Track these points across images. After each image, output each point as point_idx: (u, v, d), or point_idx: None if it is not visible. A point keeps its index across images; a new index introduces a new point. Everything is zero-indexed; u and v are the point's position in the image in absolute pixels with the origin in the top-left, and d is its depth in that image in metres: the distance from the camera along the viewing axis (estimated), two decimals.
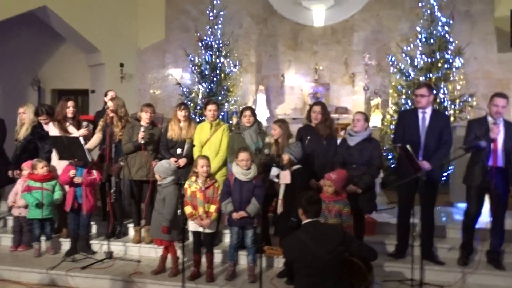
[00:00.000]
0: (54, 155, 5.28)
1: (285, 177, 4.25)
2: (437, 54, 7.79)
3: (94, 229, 5.59)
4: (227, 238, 5.15)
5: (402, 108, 7.77)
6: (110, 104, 5.28)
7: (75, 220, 5.05)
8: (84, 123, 5.26)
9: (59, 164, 5.21)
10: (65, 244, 5.31)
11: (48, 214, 5.13)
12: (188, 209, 4.36)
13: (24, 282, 4.68)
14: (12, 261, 4.97)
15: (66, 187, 5.10)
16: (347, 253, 3.08)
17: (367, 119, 4.69)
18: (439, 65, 7.80)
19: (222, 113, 8.70)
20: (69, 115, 5.31)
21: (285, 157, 4.32)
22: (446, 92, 7.78)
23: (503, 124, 4.48)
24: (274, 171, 4.30)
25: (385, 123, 8.53)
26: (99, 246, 5.25)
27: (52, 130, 5.28)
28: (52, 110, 5.49)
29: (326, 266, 2.94)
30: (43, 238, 5.23)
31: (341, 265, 3.02)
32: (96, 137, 5.24)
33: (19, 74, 10.64)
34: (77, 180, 4.92)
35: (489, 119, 4.51)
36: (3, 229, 5.84)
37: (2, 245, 5.52)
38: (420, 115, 4.67)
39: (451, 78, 7.95)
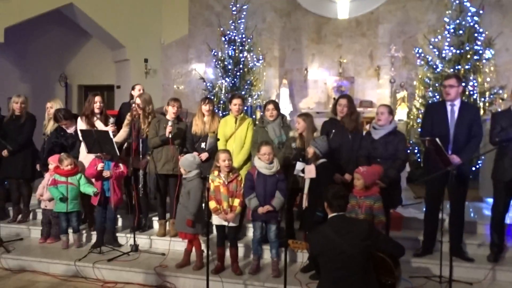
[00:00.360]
0: (82, 150, 5.37)
1: (310, 171, 4.21)
2: (466, 45, 7.56)
3: (119, 222, 5.67)
4: (250, 231, 5.15)
5: (429, 101, 7.59)
6: (138, 100, 5.34)
7: (101, 214, 5.13)
8: (111, 120, 5.33)
9: (86, 158, 5.30)
10: (92, 237, 5.42)
11: (73, 207, 5.22)
12: (212, 204, 4.38)
13: (53, 273, 4.80)
14: (42, 253, 5.10)
15: (92, 181, 5.18)
16: (373, 248, 3.02)
17: (391, 112, 4.59)
18: (468, 56, 7.57)
19: (246, 108, 8.69)
20: (96, 110, 5.39)
21: (310, 151, 4.27)
22: (475, 84, 7.55)
23: None
24: (299, 165, 4.25)
25: (411, 117, 8.36)
26: (125, 239, 5.33)
27: (80, 124, 5.38)
28: (69, 113, 5.57)
29: (352, 260, 2.89)
30: (70, 230, 5.33)
31: (367, 260, 2.96)
32: (123, 132, 5.30)
33: (47, 70, 10.90)
34: (106, 174, 5.00)
35: None
36: (33, 221, 5.99)
37: (32, 237, 5.67)
38: (449, 108, 4.53)
39: (481, 70, 7.71)
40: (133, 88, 6.01)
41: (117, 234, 5.35)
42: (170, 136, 4.97)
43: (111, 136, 4.86)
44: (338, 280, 2.89)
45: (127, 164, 5.20)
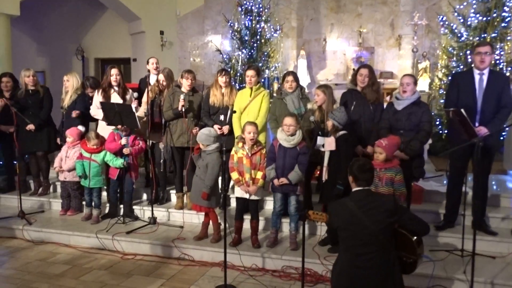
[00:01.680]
0: (100, 122, 5.38)
1: (330, 144, 4.11)
2: (493, 12, 7.20)
3: (137, 195, 5.70)
4: (268, 205, 5.13)
5: (453, 71, 7.31)
6: (161, 77, 5.28)
7: (115, 186, 5.20)
8: (135, 94, 5.28)
9: (103, 131, 5.32)
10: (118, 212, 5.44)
11: (95, 184, 5.26)
12: (234, 175, 4.34)
13: (74, 245, 4.88)
14: (62, 225, 5.18)
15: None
16: (397, 224, 2.93)
17: (416, 83, 4.42)
18: (495, 24, 7.22)
19: (263, 79, 8.55)
20: (113, 82, 5.36)
21: (329, 123, 4.17)
22: (502, 53, 7.23)
23: None
24: (320, 140, 4.16)
25: (434, 88, 8.11)
26: (142, 212, 5.37)
27: (96, 98, 5.37)
28: (97, 82, 5.60)
29: (374, 237, 2.81)
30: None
31: (389, 237, 2.88)
32: (143, 108, 5.28)
33: (64, 44, 10.89)
34: (126, 151, 5.02)
35: None
36: (54, 194, 6.09)
37: (53, 210, 5.77)
38: (477, 77, 4.32)
39: (509, 38, 7.36)
40: (147, 62, 5.95)
41: (135, 207, 5.39)
42: (183, 110, 4.92)
43: (134, 109, 4.85)
44: (358, 256, 2.84)
45: (144, 138, 5.19)
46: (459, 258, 4.08)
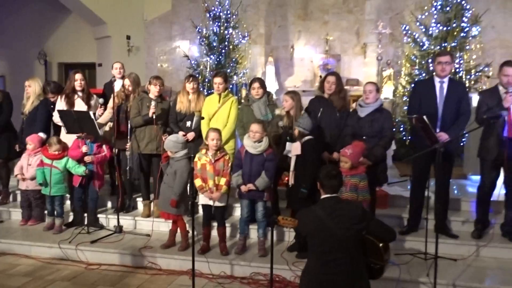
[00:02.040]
0: (63, 129, 5.24)
1: (296, 149, 4.17)
2: (453, 22, 7.50)
3: (102, 203, 5.57)
4: (237, 211, 5.11)
5: (416, 79, 7.55)
6: (127, 82, 5.19)
7: (79, 194, 5.06)
8: (100, 100, 5.16)
9: (67, 138, 5.17)
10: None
11: (57, 192, 5.09)
12: (198, 182, 4.31)
13: (35, 256, 4.71)
14: (23, 236, 5.00)
15: None
16: (365, 231, 2.98)
17: (378, 90, 4.54)
18: (455, 33, 7.51)
19: (231, 86, 8.55)
20: (78, 87, 5.24)
21: (296, 131, 4.22)
22: (461, 62, 7.53)
23: None
24: (288, 146, 4.21)
25: (398, 95, 8.34)
26: (107, 220, 5.24)
27: (59, 104, 5.23)
28: (59, 87, 5.44)
29: (342, 244, 2.85)
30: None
31: (357, 243, 2.93)
32: (108, 113, 5.17)
33: (26, 47, 10.56)
34: (88, 159, 4.90)
35: (500, 88, 4.36)
36: (14, 203, 5.86)
37: (13, 220, 5.55)
38: (438, 85, 4.48)
39: (467, 47, 7.68)
40: (112, 67, 5.84)
41: (100, 215, 5.26)
42: (154, 116, 4.86)
43: (92, 116, 4.73)
44: (327, 262, 2.86)
45: (110, 145, 5.08)
46: (423, 261, 4.18)
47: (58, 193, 5.11)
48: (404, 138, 7.64)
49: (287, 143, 4.21)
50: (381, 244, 3.01)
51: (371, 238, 3.02)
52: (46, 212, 5.23)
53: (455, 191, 5.52)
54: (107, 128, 5.30)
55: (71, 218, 5.30)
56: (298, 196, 4.13)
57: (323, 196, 3.06)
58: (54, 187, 5.06)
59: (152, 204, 5.24)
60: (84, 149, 4.88)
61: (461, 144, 6.75)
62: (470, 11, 7.60)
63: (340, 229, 2.85)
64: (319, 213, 2.93)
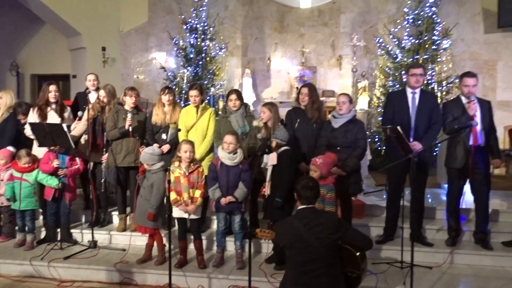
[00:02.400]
0: (35, 143, 5.11)
1: (272, 159, 4.17)
2: (425, 35, 7.72)
3: (76, 218, 5.44)
4: (214, 224, 5.07)
5: (390, 90, 7.72)
6: (102, 93, 5.12)
7: (53, 208, 4.92)
8: (79, 113, 5.05)
9: (39, 151, 5.05)
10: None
11: (27, 206, 4.93)
12: (172, 195, 4.25)
13: (4, 274, 4.53)
14: None
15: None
16: (341, 241, 3.00)
17: (351, 101, 4.61)
18: (427, 46, 7.74)
19: (208, 97, 8.55)
20: (52, 99, 5.14)
21: (273, 144, 4.24)
22: (433, 73, 7.75)
23: (477, 102, 4.46)
24: (266, 158, 4.21)
25: (372, 106, 8.49)
26: (82, 235, 5.12)
27: (31, 116, 5.11)
28: (30, 109, 5.31)
29: (319, 254, 2.87)
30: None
31: (334, 253, 2.95)
32: (83, 125, 5.07)
33: None
34: (61, 172, 4.78)
35: (463, 98, 4.51)
36: None
37: None
38: (410, 96, 4.60)
39: (438, 60, 7.91)
40: (86, 79, 5.75)
41: (73, 230, 5.13)
42: (130, 129, 4.80)
43: (65, 129, 4.64)
44: (304, 273, 2.87)
45: (84, 158, 4.99)
46: (399, 270, 4.23)
47: (28, 207, 4.95)
48: (380, 148, 7.77)
49: (265, 156, 4.21)
50: (357, 253, 3.04)
51: (348, 247, 3.05)
52: (16, 228, 5.06)
53: (429, 200, 5.62)
54: (82, 141, 5.21)
55: (43, 234, 5.15)
56: (273, 205, 4.13)
57: (299, 207, 3.08)
58: (24, 201, 4.91)
59: (128, 218, 5.14)
60: (55, 163, 4.75)
61: (434, 153, 6.91)
62: (441, 25, 7.86)
63: (316, 239, 2.86)
64: (296, 224, 2.94)
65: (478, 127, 4.42)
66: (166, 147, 4.87)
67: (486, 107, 4.52)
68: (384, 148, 7.50)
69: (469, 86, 4.43)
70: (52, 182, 4.81)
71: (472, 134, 4.41)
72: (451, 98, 5.58)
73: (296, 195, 3.11)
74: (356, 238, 3.09)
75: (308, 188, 3.07)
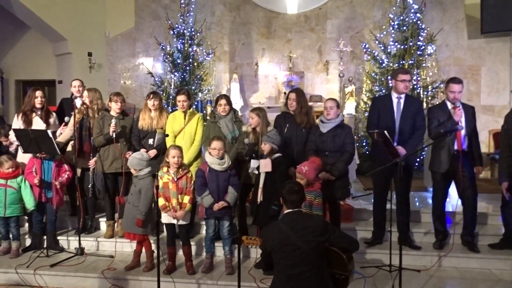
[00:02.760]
0: (20, 150, 5.03)
1: (267, 166, 4.14)
2: (410, 41, 7.83)
3: (63, 224, 5.36)
4: (202, 229, 5.05)
5: (376, 95, 7.79)
6: (85, 94, 5.09)
7: (38, 216, 4.86)
8: (66, 119, 4.98)
9: (24, 158, 4.98)
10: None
11: (12, 212, 4.85)
12: (161, 201, 4.23)
13: None
14: None
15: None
16: (328, 243, 3.02)
17: (338, 106, 4.65)
18: (412, 52, 7.84)
19: (196, 103, 8.53)
20: (38, 105, 5.09)
21: (267, 147, 4.21)
22: (418, 78, 7.85)
23: (462, 107, 4.53)
24: (254, 163, 4.18)
25: (360, 110, 8.56)
26: (68, 242, 5.05)
27: (15, 123, 5.04)
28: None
29: (306, 257, 2.88)
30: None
31: (321, 255, 2.97)
32: (69, 130, 5.02)
33: None
34: (57, 185, 4.77)
35: (448, 103, 4.58)
36: None
37: None
38: (395, 100, 4.66)
39: (424, 65, 8.02)
40: (71, 85, 5.70)
41: (60, 238, 5.06)
42: (114, 136, 4.77)
43: (51, 135, 4.58)
44: (292, 276, 2.87)
45: (71, 164, 4.93)
46: (388, 273, 4.26)
47: (13, 214, 4.86)
48: (367, 152, 7.82)
49: (253, 161, 4.19)
50: (344, 255, 3.06)
51: (335, 249, 3.06)
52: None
53: (416, 203, 5.67)
54: (69, 147, 5.15)
55: (27, 242, 5.06)
56: (269, 213, 4.11)
57: (286, 211, 3.09)
58: (9, 208, 4.82)
59: (116, 224, 5.09)
60: (35, 181, 4.71)
61: (421, 157, 6.99)
62: (426, 31, 7.98)
63: (303, 242, 2.87)
64: (282, 228, 2.95)
65: (462, 132, 4.50)
66: (152, 152, 4.84)
67: (470, 112, 4.60)
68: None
69: (455, 93, 4.50)
70: (29, 204, 4.78)
71: (456, 139, 4.47)
72: (437, 103, 5.66)
73: (282, 199, 3.13)
74: (343, 240, 3.11)
75: (294, 192, 3.09)
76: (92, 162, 4.94)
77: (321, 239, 2.94)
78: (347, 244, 3.11)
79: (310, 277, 2.86)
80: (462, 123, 4.48)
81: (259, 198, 4.24)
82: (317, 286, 2.90)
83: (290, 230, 2.92)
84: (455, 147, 4.49)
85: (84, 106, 5.10)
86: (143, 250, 4.46)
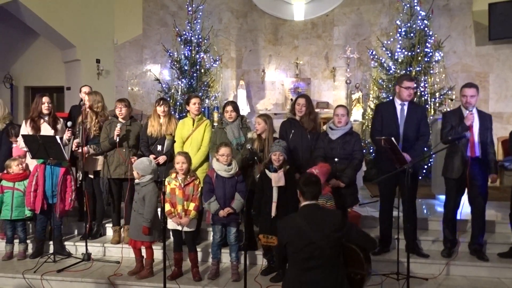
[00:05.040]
0: (28, 155, 5.07)
1: (280, 179, 4.07)
2: (417, 48, 7.81)
3: (69, 230, 5.40)
4: (209, 236, 5.04)
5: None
6: (86, 98, 5.13)
7: (43, 222, 4.88)
8: (69, 123, 5.02)
9: (33, 163, 5.01)
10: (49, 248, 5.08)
11: (18, 215, 4.89)
12: (167, 207, 4.23)
13: None
14: None
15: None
16: (345, 239, 2.95)
17: (348, 113, 4.64)
18: (419, 58, 7.83)
19: (203, 109, 8.56)
20: (45, 111, 5.12)
21: (281, 158, 4.12)
22: (426, 85, 7.82)
23: (477, 114, 4.50)
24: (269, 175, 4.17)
25: (367, 117, 8.54)
26: (75, 248, 5.07)
27: (24, 129, 5.08)
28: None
29: (322, 251, 2.81)
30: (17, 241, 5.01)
31: (337, 252, 2.89)
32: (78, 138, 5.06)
33: None
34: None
35: (463, 109, 4.55)
36: None
37: None
38: (399, 107, 4.64)
39: (431, 72, 7.99)
40: (80, 91, 5.75)
41: (67, 243, 5.08)
42: (117, 139, 4.79)
43: (59, 140, 4.61)
44: (306, 270, 2.80)
45: (77, 168, 4.96)
46: (395, 281, 4.21)
47: (20, 216, 4.90)
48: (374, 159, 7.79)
49: (272, 174, 4.13)
50: (362, 254, 3.00)
51: (352, 246, 3.00)
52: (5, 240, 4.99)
53: (424, 211, 5.63)
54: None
55: (30, 247, 5.09)
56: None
57: (303, 204, 3.03)
58: (16, 210, 4.86)
59: (122, 230, 5.10)
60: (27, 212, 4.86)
61: (428, 164, 6.94)
62: (433, 37, 7.96)
63: (319, 237, 2.82)
64: (299, 221, 2.90)
65: (476, 139, 4.44)
66: (162, 158, 4.85)
67: (486, 120, 4.56)
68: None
69: (467, 97, 4.46)
70: (26, 210, 4.86)
71: (469, 146, 4.44)
72: (452, 109, 5.62)
73: (300, 192, 3.06)
74: (360, 236, 3.03)
75: (311, 183, 3.01)
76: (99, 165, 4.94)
77: (338, 234, 2.86)
78: (365, 241, 3.04)
79: (324, 273, 2.79)
80: (475, 128, 4.44)
81: (273, 212, 4.12)
82: (331, 282, 2.83)
83: (306, 223, 2.85)
84: (468, 154, 4.44)
85: (86, 109, 5.12)
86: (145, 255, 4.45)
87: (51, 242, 4.99)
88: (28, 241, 5.11)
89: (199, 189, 4.33)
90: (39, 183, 4.75)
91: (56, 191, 4.78)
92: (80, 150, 4.94)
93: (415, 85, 4.65)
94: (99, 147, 5.00)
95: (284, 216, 4.01)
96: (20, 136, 5.04)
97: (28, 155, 5.00)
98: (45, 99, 5.13)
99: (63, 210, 4.86)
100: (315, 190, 3.03)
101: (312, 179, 3.06)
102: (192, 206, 4.25)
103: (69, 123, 4.98)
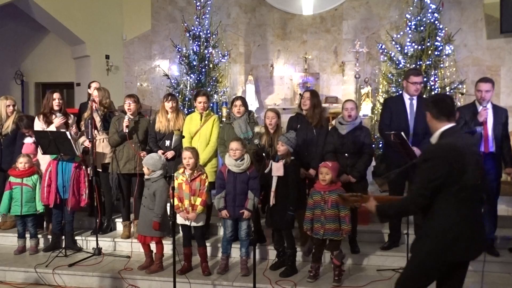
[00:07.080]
0: (39, 151, 5.13)
1: (279, 169, 4.12)
2: (427, 41, 7.72)
3: (80, 224, 5.46)
4: (219, 231, 5.07)
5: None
6: (95, 93, 5.17)
7: (57, 216, 4.93)
8: (58, 114, 5.06)
9: (44, 159, 5.07)
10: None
11: (28, 210, 4.95)
12: (175, 202, 4.25)
13: (10, 281, 4.54)
14: None
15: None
16: None
17: (357, 107, 4.62)
18: (429, 52, 7.73)
19: (211, 104, 8.57)
20: (56, 107, 5.17)
21: (283, 148, 4.17)
22: (436, 79, 7.73)
23: (491, 109, 4.45)
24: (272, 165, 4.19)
25: (376, 112, 8.47)
26: (86, 242, 5.13)
27: (37, 124, 5.14)
28: (32, 123, 5.32)
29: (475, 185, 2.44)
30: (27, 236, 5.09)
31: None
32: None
33: (2, 67, 10.38)
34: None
35: (477, 104, 4.49)
36: None
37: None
38: (408, 102, 4.60)
39: (441, 65, 7.90)
40: (89, 87, 5.80)
41: (78, 238, 5.14)
42: (127, 130, 4.81)
43: (69, 136, 4.65)
44: (472, 209, 2.49)
45: (87, 164, 5.00)
46: None
47: (30, 212, 4.96)
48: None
49: (273, 163, 4.19)
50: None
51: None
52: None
53: None
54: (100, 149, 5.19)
55: (41, 241, 5.16)
56: (285, 218, 4.12)
57: (442, 129, 2.60)
58: (25, 206, 4.92)
59: (132, 225, 5.14)
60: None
61: None
62: (443, 31, 7.84)
63: (473, 168, 2.41)
64: (459, 145, 2.41)
65: (490, 134, 4.40)
66: (170, 153, 4.88)
67: (501, 114, 4.51)
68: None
69: (482, 92, 4.41)
70: (38, 205, 4.91)
71: (483, 140, 4.39)
72: (464, 104, 5.56)
73: (430, 114, 2.64)
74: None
75: (443, 100, 2.61)
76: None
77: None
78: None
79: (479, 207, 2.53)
80: (489, 124, 4.39)
81: (272, 201, 4.20)
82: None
83: (464, 145, 2.46)
84: (481, 149, 4.40)
85: (94, 104, 5.15)
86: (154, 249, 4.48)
87: (62, 237, 5.04)
88: (39, 235, 5.18)
89: (206, 183, 4.34)
90: (52, 178, 4.81)
91: (68, 186, 4.82)
92: (88, 145, 4.98)
93: (422, 79, 4.59)
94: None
95: (282, 207, 4.02)
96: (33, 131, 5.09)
97: (40, 151, 5.05)
98: (56, 95, 5.18)
99: (75, 205, 4.90)
100: (451, 107, 2.55)
101: (441, 95, 2.64)
102: (198, 201, 4.27)
103: (58, 114, 5.02)
